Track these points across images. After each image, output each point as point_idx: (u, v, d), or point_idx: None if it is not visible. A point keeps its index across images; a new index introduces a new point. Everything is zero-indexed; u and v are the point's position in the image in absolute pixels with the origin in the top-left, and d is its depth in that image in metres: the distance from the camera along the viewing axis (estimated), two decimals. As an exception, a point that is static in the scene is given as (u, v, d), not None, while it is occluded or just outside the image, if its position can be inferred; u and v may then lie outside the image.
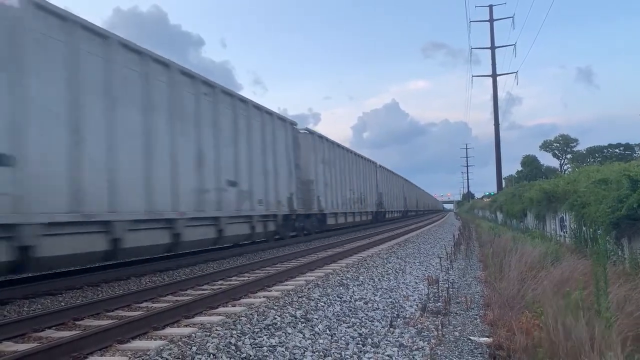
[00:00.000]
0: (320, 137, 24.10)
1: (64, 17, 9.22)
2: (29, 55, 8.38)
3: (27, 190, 8.09)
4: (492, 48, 42.19)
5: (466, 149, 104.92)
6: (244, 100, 15.96)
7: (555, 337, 4.35)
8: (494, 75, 42.14)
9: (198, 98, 13.28)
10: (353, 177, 29.55)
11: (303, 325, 5.85)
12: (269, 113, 17.88)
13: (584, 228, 10.88)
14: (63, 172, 8.87)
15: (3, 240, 7.78)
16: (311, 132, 22.98)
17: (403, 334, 5.59)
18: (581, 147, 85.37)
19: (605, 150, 75.84)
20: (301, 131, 21.82)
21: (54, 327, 6.01)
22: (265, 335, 5.36)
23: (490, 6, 42.12)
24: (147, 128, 11.14)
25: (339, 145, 26.94)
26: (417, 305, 7.07)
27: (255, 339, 5.17)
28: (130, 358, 4.63)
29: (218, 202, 13.84)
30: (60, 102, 8.96)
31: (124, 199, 10.14)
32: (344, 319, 6.26)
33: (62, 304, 7.68)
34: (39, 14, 8.69)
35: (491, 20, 42.16)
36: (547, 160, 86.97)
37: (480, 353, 4.96)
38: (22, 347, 5.11)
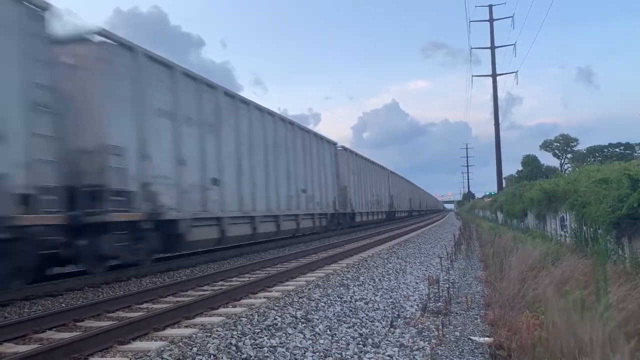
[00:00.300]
0: (351, 152, 30.88)
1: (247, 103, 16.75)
2: (225, 127, 15.09)
3: (224, 199, 14.55)
4: (492, 48, 42.19)
5: (466, 148, 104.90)
6: (308, 131, 23.06)
7: (558, 336, 4.34)
8: (494, 75, 42.14)
9: (286, 133, 19.96)
10: (373, 183, 35.84)
11: (304, 325, 5.86)
12: (321, 138, 24.67)
13: (584, 228, 10.88)
14: (235, 189, 15.42)
15: (215, 226, 14.07)
16: (345, 149, 29.17)
17: (404, 334, 5.59)
18: (581, 146, 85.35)
19: (605, 150, 75.80)
20: (339, 148, 27.76)
21: (54, 328, 6.01)
22: (266, 335, 5.36)
23: (490, 6, 42.13)
24: (265, 160, 17.81)
25: (363, 157, 33.57)
26: (417, 305, 7.07)
27: (255, 340, 5.17)
28: (130, 359, 4.63)
29: (297, 204, 20.47)
30: (232, 151, 15.43)
31: (258, 203, 16.94)
32: (344, 319, 6.26)
33: (63, 305, 7.68)
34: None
35: (491, 20, 42.16)
36: (548, 160, 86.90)
37: (481, 353, 4.96)
38: (22, 348, 5.11)
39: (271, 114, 18.77)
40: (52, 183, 8.79)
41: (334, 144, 26.83)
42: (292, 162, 20.18)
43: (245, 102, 16.85)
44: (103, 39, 10.56)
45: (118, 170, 10.34)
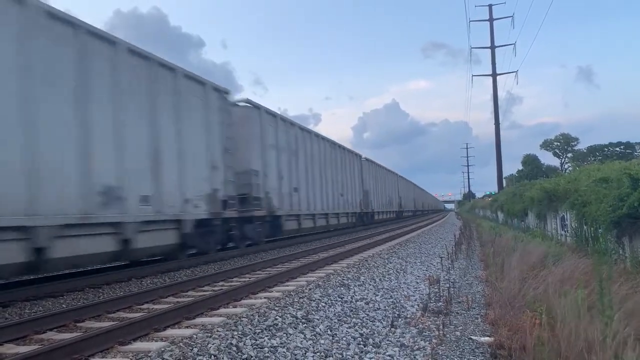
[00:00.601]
0: (372, 161, 36.61)
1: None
2: (300, 151, 21.49)
3: (300, 201, 20.98)
4: (492, 47, 42.19)
5: (467, 148, 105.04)
6: (342, 147, 28.40)
7: (565, 336, 4.33)
8: (494, 75, 42.14)
9: (330, 150, 25.89)
10: (387, 187, 41.87)
11: (304, 325, 5.85)
12: (350, 151, 30.17)
13: (585, 227, 10.87)
14: (304, 195, 21.62)
15: (295, 220, 20.21)
16: (367, 160, 34.89)
17: (404, 334, 5.59)
18: (582, 146, 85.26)
19: (605, 149, 75.72)
20: (363, 159, 33.34)
21: (55, 329, 6.02)
22: (267, 336, 5.36)
23: (490, 5, 42.13)
24: (320, 172, 23.99)
25: (380, 165, 39.69)
26: (418, 305, 7.07)
27: (256, 340, 5.17)
28: (131, 359, 4.63)
29: (338, 204, 26.39)
30: (303, 168, 21.61)
31: (317, 204, 23.15)
32: (345, 319, 6.26)
33: (64, 305, 7.68)
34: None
35: (491, 20, 42.16)
36: (548, 159, 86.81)
37: (482, 352, 4.95)
38: (23, 349, 5.11)
39: (323, 138, 24.98)
40: (233, 193, 15.05)
41: (360, 155, 32.82)
42: (334, 173, 26.15)
43: (308, 131, 22.93)
44: (246, 104, 17.46)
45: (256, 185, 16.60)
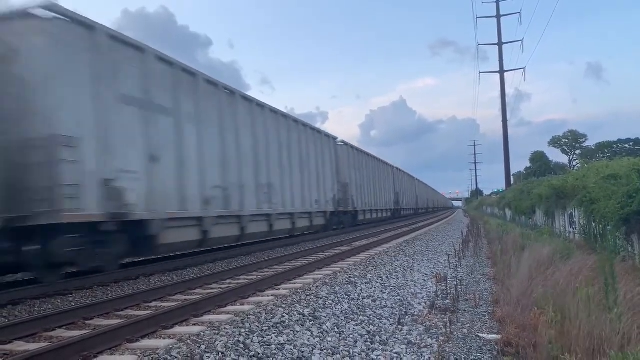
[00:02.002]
0: (352, 146, 29.81)
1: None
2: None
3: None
4: (499, 44, 41.98)
5: (474, 145, 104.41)
6: (304, 125, 21.75)
7: (572, 333, 4.31)
8: (502, 72, 41.93)
9: (278, 126, 18.66)
10: (377, 180, 35.11)
11: (311, 323, 5.86)
12: (319, 131, 23.98)
13: (593, 224, 10.81)
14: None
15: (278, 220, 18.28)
16: (346, 144, 28.02)
17: (411, 332, 5.58)
18: (590, 142, 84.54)
19: (614, 146, 75.07)
20: (339, 143, 26.72)
21: (64, 327, 6.06)
22: (274, 333, 5.37)
23: (497, 2, 41.91)
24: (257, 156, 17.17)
25: (365, 152, 32.79)
26: (425, 303, 7.06)
27: (263, 337, 5.19)
28: (139, 357, 4.65)
29: (291, 202, 19.28)
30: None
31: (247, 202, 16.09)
32: (352, 316, 6.26)
33: (72, 303, 7.74)
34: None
35: (498, 16, 41.94)
36: (556, 156, 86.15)
37: (489, 350, 4.94)
38: (33, 346, 5.15)
39: (258, 103, 17.16)
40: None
41: (334, 138, 25.86)
42: (289, 159, 19.13)
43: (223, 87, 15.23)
44: (343, 143, 26.04)
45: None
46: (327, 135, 24.85)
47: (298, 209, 19.63)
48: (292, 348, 4.90)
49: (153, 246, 11.46)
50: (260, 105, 17.17)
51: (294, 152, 19.69)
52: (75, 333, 5.64)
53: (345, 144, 27.94)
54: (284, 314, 6.16)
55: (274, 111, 18.34)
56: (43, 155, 8.70)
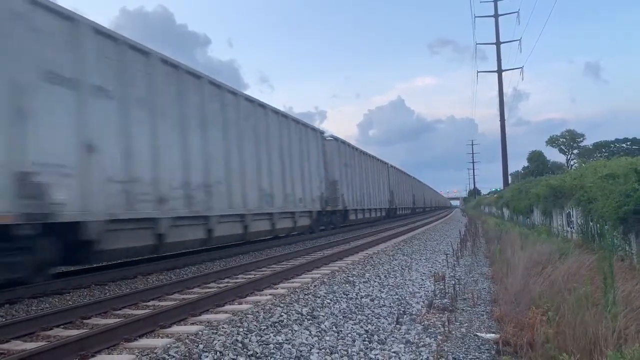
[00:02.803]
0: (343, 142, 27.73)
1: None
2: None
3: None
4: (497, 43, 42.03)
5: (472, 145, 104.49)
6: (286, 116, 19.90)
7: (569, 332, 4.32)
8: (499, 71, 41.99)
9: (256, 118, 16.83)
10: (370, 177, 33.62)
11: (309, 322, 5.86)
12: (304, 125, 21.96)
13: (591, 223, 10.83)
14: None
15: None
16: (335, 139, 26.26)
17: (410, 331, 5.59)
18: (588, 142, 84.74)
19: (612, 145, 75.25)
20: (327, 138, 25.47)
21: (62, 326, 6.05)
22: (272, 332, 5.37)
23: (495, 1, 41.94)
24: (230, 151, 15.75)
25: (356, 148, 30.91)
26: (423, 302, 7.07)
27: (261, 336, 5.18)
28: (137, 356, 4.65)
29: (270, 202, 17.59)
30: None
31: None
32: (350, 316, 6.26)
33: (70, 303, 7.72)
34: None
35: (496, 16, 41.98)
36: (554, 155, 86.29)
37: (487, 349, 4.95)
38: (30, 345, 5.14)
39: (234, 92, 15.48)
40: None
41: (321, 132, 24.20)
42: (266, 154, 17.01)
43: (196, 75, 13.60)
44: (332, 138, 25.44)
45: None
46: (314, 129, 22.82)
47: (278, 208, 17.57)
48: (291, 347, 4.90)
49: (90, 253, 9.56)
50: (233, 93, 15.28)
51: (273, 146, 17.65)
52: (73, 332, 5.63)
53: (336, 139, 26.09)
54: (282, 313, 6.16)
55: (250, 100, 16.40)
56: None
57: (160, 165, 11.26)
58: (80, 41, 9.43)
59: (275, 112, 18.51)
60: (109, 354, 4.84)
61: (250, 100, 16.37)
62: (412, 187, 56.68)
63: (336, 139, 26.27)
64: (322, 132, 24.31)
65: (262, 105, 17.23)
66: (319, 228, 22.91)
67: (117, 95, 10.21)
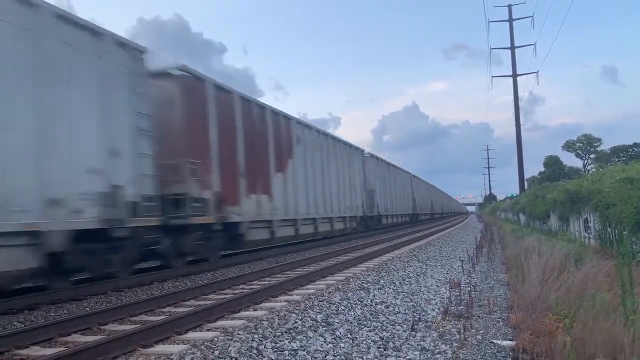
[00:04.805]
0: (377, 157, 32.44)
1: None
2: None
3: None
4: (512, 48, 41.71)
5: (487, 150, 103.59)
6: (339, 140, 24.80)
7: (590, 339, 4.26)
8: (514, 76, 41.61)
9: (321, 143, 21.88)
10: (397, 187, 37.69)
11: (324, 329, 5.86)
12: (349, 145, 26.17)
13: (609, 229, 10.68)
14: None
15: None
16: (372, 155, 30.79)
17: (425, 338, 5.56)
18: (605, 146, 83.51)
19: (630, 150, 74.10)
20: (365, 155, 29.40)
21: (79, 332, 6.11)
22: (287, 339, 5.38)
23: (509, 6, 41.67)
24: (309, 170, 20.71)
25: (387, 162, 35.32)
26: (439, 309, 7.02)
27: (276, 343, 5.20)
28: (153, 362, 4.68)
29: (333, 206, 22.56)
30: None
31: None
32: (365, 322, 6.25)
33: (87, 309, 7.81)
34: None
35: (510, 20, 41.69)
36: (570, 160, 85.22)
37: (504, 356, 4.90)
38: (49, 351, 5.21)
39: (320, 131, 21.75)
40: None
41: (362, 150, 28.80)
42: (324, 171, 21.63)
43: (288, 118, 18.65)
44: (369, 155, 29.37)
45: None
46: (357, 148, 27.64)
47: (336, 213, 22.72)
48: (305, 354, 4.90)
49: (242, 241, 14.77)
50: (319, 132, 21.58)
51: (332, 165, 22.58)
52: (91, 338, 5.69)
53: (372, 155, 30.85)
54: (297, 320, 6.17)
55: (317, 130, 21.59)
56: None
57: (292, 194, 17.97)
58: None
59: (332, 137, 23.67)
60: (126, 359, 4.89)
61: (317, 130, 21.61)
62: (430, 194, 60.72)
63: (372, 155, 31.09)
64: (362, 150, 28.88)
65: (325, 134, 22.56)
66: (361, 230, 27.06)
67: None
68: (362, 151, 28.77)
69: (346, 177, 24.50)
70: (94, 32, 9.58)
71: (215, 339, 5.35)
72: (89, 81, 9.38)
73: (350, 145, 26.07)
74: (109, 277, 9.80)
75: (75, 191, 8.76)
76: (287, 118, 18.44)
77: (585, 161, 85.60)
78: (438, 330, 5.83)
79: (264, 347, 5.05)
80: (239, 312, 6.90)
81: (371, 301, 7.53)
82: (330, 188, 21.82)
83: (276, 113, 17.46)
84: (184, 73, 12.54)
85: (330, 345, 5.24)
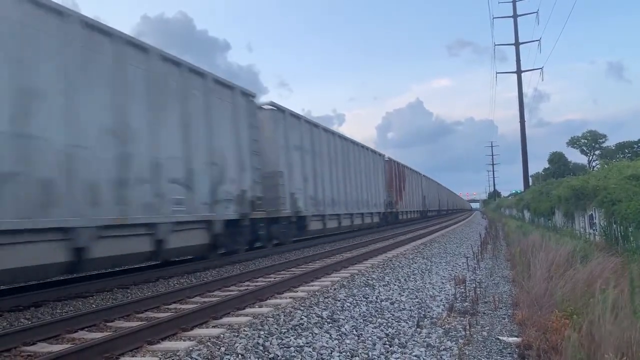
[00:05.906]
0: (394, 161, 36.55)
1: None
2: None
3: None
4: (517, 44, 41.58)
5: (491, 146, 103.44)
6: (367, 148, 29.02)
7: (598, 336, 4.24)
8: (519, 72, 41.50)
9: (349, 149, 25.63)
10: (411, 187, 42.07)
11: (330, 325, 5.87)
12: (373, 151, 30.52)
13: (614, 225, 10.65)
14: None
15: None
16: (390, 159, 35.03)
17: (430, 334, 5.56)
18: (610, 142, 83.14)
19: (635, 146, 73.81)
20: (386, 159, 33.51)
21: (86, 329, 6.14)
22: (293, 335, 5.39)
23: (514, 1, 41.53)
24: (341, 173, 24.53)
25: (403, 165, 39.55)
26: (444, 305, 7.02)
27: (282, 340, 5.21)
28: (160, 358, 4.71)
29: (364, 204, 27.39)
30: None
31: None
32: (370, 319, 6.25)
33: (94, 306, 7.84)
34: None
35: (515, 16, 41.56)
36: (575, 157, 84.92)
37: (509, 353, 4.90)
38: (56, 347, 5.24)
39: (345, 138, 25.17)
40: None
41: (382, 154, 32.91)
42: (357, 174, 26.23)
43: (332, 132, 23.31)
44: (388, 158, 34.12)
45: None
46: (379, 154, 32.17)
47: (365, 209, 27.27)
48: (311, 350, 4.91)
49: (306, 230, 19.44)
50: (345, 139, 25.05)
51: (357, 168, 26.27)
52: (97, 335, 5.72)
53: (390, 159, 35.13)
54: (303, 316, 6.18)
55: (344, 138, 24.86)
56: None
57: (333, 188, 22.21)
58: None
59: (362, 146, 27.84)
60: (132, 356, 4.91)
61: (344, 138, 24.91)
62: (438, 191, 64.43)
63: (390, 159, 35.29)
64: (382, 155, 32.74)
65: (354, 143, 26.47)
66: (383, 224, 31.36)
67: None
68: (382, 155, 33.00)
69: (371, 179, 29.02)
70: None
71: (222, 335, 5.37)
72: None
73: (374, 152, 30.61)
74: (235, 252, 14.09)
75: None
76: (339, 136, 24.34)
77: (590, 157, 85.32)
78: (443, 327, 5.84)
79: (270, 343, 5.06)
80: (244, 308, 6.92)
81: (376, 298, 7.54)
82: (360, 189, 26.32)
83: (332, 133, 23.33)
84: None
85: (336, 341, 5.25)
